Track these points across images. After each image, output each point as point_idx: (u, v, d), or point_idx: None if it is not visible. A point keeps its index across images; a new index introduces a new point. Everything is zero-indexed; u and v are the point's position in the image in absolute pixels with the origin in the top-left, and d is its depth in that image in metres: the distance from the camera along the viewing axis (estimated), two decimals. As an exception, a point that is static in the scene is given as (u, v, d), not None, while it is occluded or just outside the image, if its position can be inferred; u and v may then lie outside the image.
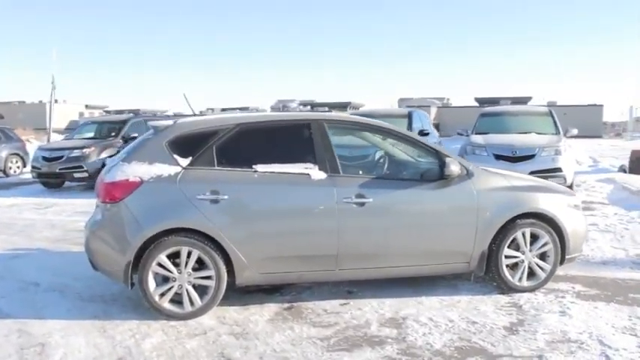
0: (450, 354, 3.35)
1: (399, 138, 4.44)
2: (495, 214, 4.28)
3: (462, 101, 68.77)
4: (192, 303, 3.94)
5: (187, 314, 3.94)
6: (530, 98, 45.93)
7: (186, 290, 3.93)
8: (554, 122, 9.84)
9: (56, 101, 24.21)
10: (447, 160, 4.19)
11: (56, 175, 11.27)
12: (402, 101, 48.41)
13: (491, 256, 4.31)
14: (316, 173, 4.07)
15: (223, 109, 44.65)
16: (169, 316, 3.92)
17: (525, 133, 9.56)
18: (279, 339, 3.61)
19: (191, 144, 4.08)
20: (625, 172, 12.38)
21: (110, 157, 11.39)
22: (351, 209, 4.06)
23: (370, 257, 4.17)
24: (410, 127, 10.66)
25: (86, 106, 53.42)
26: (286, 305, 4.24)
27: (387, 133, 4.47)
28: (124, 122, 12.35)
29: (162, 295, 3.92)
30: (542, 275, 4.43)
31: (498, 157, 8.82)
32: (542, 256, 4.44)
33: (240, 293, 4.39)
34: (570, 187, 8.31)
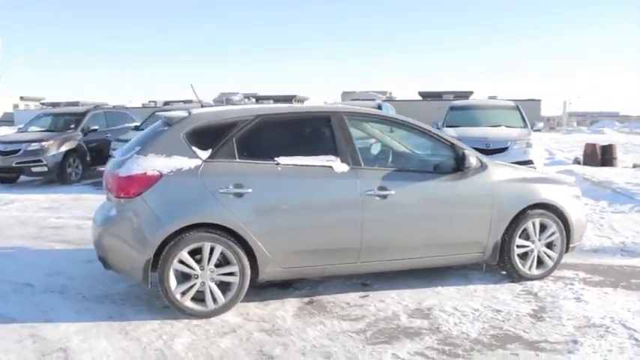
0: (488, 342, 3.40)
1: (415, 130, 4.44)
2: (508, 205, 4.37)
3: (405, 95, 70.09)
4: (215, 300, 3.80)
5: (210, 312, 3.79)
6: (471, 93, 47.44)
7: (209, 287, 3.78)
8: (522, 116, 10.21)
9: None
10: (466, 152, 4.24)
11: (12, 170, 10.56)
12: (345, 94, 48.67)
13: (504, 246, 4.41)
14: (339, 166, 4.01)
15: (166, 103, 43.45)
16: (191, 315, 3.77)
17: (495, 126, 9.85)
18: (314, 334, 3.54)
19: (210, 136, 3.92)
20: (579, 163, 13.03)
21: (70, 150, 10.84)
22: (374, 202, 4.03)
23: (391, 249, 4.17)
24: None
25: (21, 98, 50.57)
26: (306, 300, 4.17)
27: (404, 125, 4.47)
28: (83, 114, 11.74)
29: (183, 293, 3.75)
30: (550, 263, 4.58)
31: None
32: (549, 245, 4.59)
33: (255, 289, 4.27)
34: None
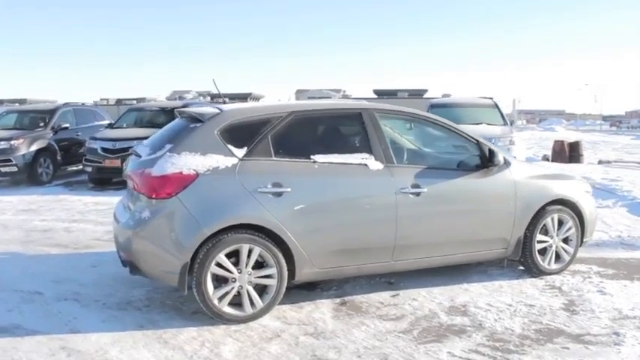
0: (535, 337, 3.44)
1: (442, 128, 4.45)
2: (530, 201, 4.45)
3: (359, 93, 70.71)
4: (252, 304, 3.67)
5: (248, 317, 3.67)
6: (426, 90, 48.06)
7: (247, 291, 3.66)
8: (501, 114, 10.46)
9: None
10: (494, 150, 4.29)
11: (-22, 170, 9.92)
12: (299, 92, 48.45)
13: (525, 242, 4.49)
14: (373, 163, 3.97)
15: (119, 100, 42.06)
16: (229, 320, 3.63)
17: (476, 124, 10.04)
18: (361, 336, 3.48)
19: (244, 133, 3.79)
20: (548, 160, 13.50)
21: (40, 149, 10.26)
22: (408, 199, 4.01)
23: (423, 247, 4.16)
24: None
25: (-39, 94, 47.73)
26: (338, 301, 4.11)
27: (431, 123, 4.47)
28: (53, 112, 11.18)
29: (220, 298, 3.61)
30: (567, 258, 4.69)
31: None
32: (565, 240, 4.70)
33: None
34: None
